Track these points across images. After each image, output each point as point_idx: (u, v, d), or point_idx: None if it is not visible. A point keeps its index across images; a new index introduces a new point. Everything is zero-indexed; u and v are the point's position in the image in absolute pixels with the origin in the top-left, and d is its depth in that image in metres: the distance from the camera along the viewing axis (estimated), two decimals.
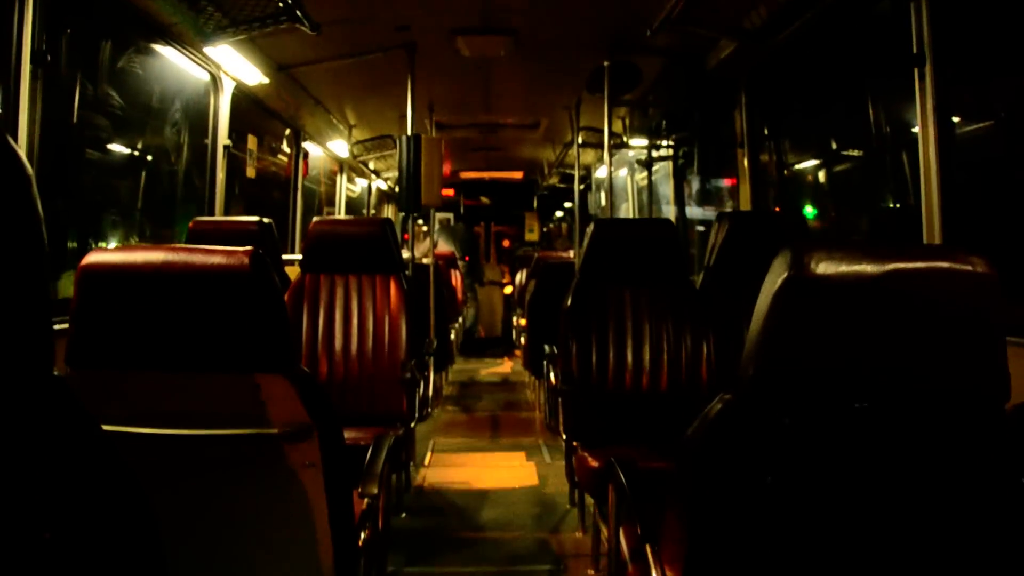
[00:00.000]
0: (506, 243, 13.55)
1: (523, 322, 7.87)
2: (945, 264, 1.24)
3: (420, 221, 8.52)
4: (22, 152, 0.88)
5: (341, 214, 8.55)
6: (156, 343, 1.67)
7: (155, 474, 1.78)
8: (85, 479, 0.90)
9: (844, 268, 1.22)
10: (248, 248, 1.63)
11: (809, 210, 5.49)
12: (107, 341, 1.67)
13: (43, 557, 0.83)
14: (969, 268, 1.23)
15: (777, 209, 5.28)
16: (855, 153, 5.24)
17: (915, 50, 2.96)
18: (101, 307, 1.65)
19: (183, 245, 1.67)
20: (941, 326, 1.25)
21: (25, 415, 0.85)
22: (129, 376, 1.71)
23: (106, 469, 0.93)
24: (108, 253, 1.65)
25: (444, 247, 10.18)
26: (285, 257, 5.18)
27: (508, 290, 11.43)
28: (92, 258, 1.63)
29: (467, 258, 10.46)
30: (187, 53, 4.08)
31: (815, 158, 5.51)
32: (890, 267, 1.22)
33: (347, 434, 1.99)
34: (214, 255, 1.61)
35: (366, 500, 2.18)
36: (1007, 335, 1.30)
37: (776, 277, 1.24)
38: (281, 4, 3.51)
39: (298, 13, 3.59)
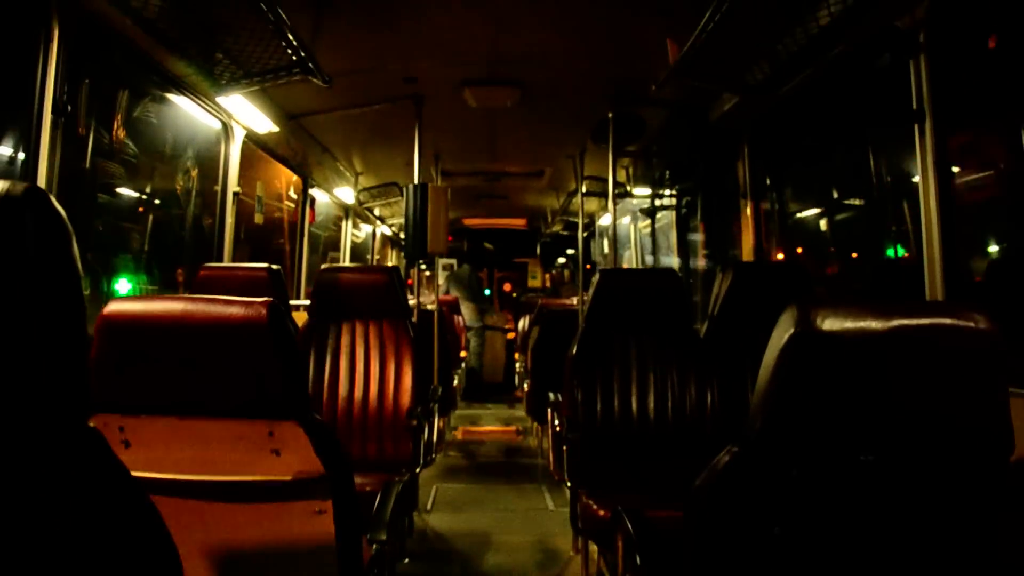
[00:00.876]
0: (507, 287, 13.59)
1: (526, 368, 7.88)
2: (948, 320, 1.27)
3: (424, 267, 8.58)
4: (62, 211, 0.92)
5: (346, 260, 8.60)
6: (173, 390, 1.71)
7: (168, 518, 1.79)
8: (118, 527, 0.93)
9: (849, 324, 1.25)
10: (266, 299, 1.67)
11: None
12: (125, 387, 1.70)
13: None
14: (972, 324, 1.27)
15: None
16: (857, 202, 5.32)
17: (915, 106, 3.03)
18: (120, 355, 1.68)
19: (201, 295, 1.71)
20: (945, 381, 1.28)
21: (62, 465, 0.88)
22: (145, 421, 1.74)
23: (137, 517, 0.96)
24: (128, 303, 1.69)
25: (453, 293, 10.28)
26: (292, 303, 5.22)
27: (511, 335, 11.45)
28: (113, 307, 1.67)
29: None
30: (200, 103, 4.15)
31: (817, 207, 5.59)
32: (894, 323, 1.26)
33: (355, 480, 2.01)
34: (232, 306, 1.65)
35: (374, 546, 2.19)
36: (1010, 386, 1.33)
37: (783, 332, 1.28)
38: (294, 57, 3.59)
39: (311, 66, 3.66)
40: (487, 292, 13.03)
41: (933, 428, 1.30)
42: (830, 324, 1.25)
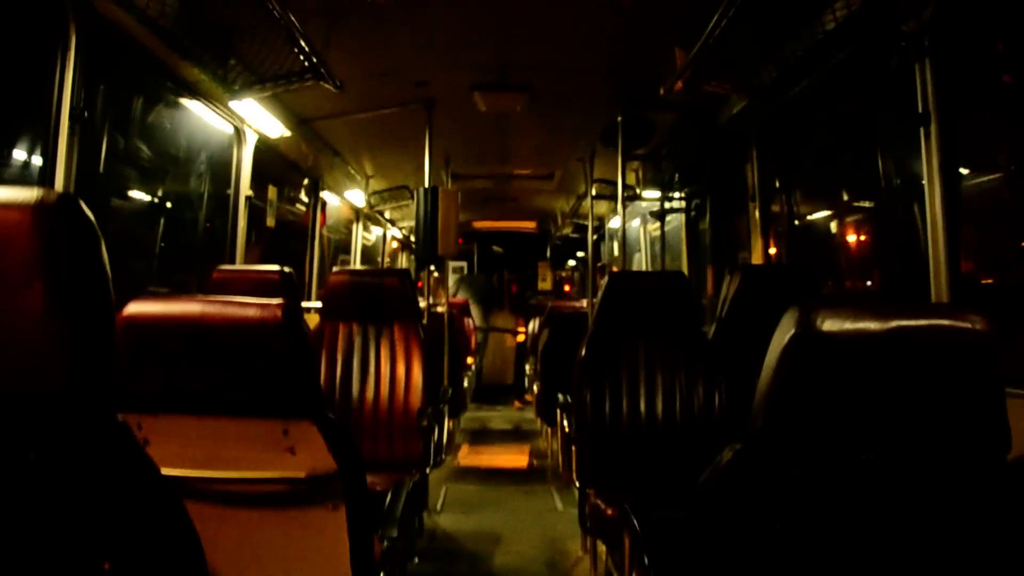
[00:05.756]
0: (514, 288, 13.59)
1: (536, 370, 7.92)
2: (946, 322, 1.30)
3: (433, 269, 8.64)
4: (92, 217, 0.97)
5: (357, 263, 8.66)
6: (190, 388, 1.75)
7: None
8: (145, 517, 0.97)
9: (849, 325, 1.28)
10: (281, 300, 1.71)
11: None
12: (144, 386, 1.74)
13: None
14: (969, 326, 1.29)
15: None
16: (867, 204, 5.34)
17: (920, 109, 3.05)
18: (139, 354, 1.73)
19: (218, 296, 1.75)
20: (943, 381, 1.31)
21: (94, 456, 0.93)
22: (163, 420, 1.79)
23: (164, 509, 1.00)
24: (147, 303, 1.73)
25: (462, 295, 10.33)
26: (303, 305, 5.27)
27: (520, 338, 11.48)
28: (132, 308, 1.71)
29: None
30: (213, 107, 4.21)
31: (827, 210, 5.61)
32: (893, 324, 1.29)
33: (367, 479, 2.05)
34: (249, 307, 1.69)
35: (385, 543, 2.23)
36: (1007, 387, 1.36)
37: (784, 333, 1.31)
38: (307, 63, 3.64)
39: (323, 71, 3.71)
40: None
41: (932, 427, 1.32)
42: (831, 325, 1.28)
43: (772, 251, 5.03)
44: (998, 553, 1.34)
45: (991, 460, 1.35)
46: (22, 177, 3.59)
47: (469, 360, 9.76)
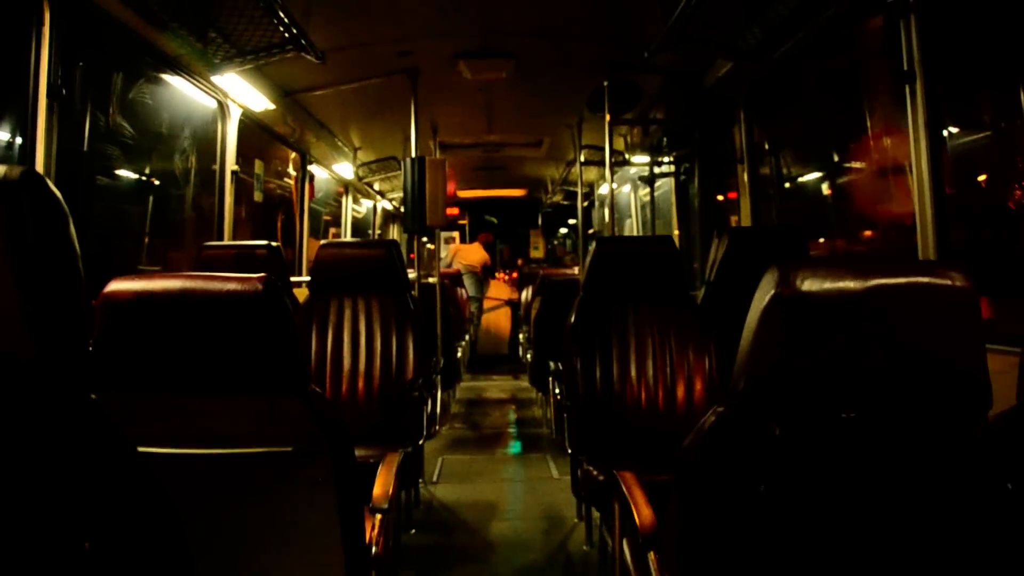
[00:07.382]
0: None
1: (529, 338, 7.93)
2: (925, 279, 1.30)
3: (425, 240, 8.64)
4: (59, 193, 0.95)
5: (347, 235, 8.63)
6: (174, 367, 1.74)
7: (171, 492, 1.84)
8: (121, 495, 0.97)
9: (828, 285, 1.28)
10: (262, 275, 1.70)
11: None
12: (127, 365, 1.74)
13: (84, 566, 0.89)
14: (948, 282, 1.29)
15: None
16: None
17: (906, 67, 3.03)
18: (122, 333, 1.72)
19: (199, 273, 1.74)
20: (923, 338, 1.31)
21: (66, 435, 0.92)
22: (147, 398, 1.78)
23: (141, 486, 1.00)
24: (129, 281, 1.71)
25: (456, 266, 10.38)
26: (293, 279, 5.26)
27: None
28: (113, 286, 1.70)
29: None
30: (195, 82, 4.17)
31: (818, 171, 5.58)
32: (872, 283, 1.28)
33: (357, 452, 2.05)
34: (229, 282, 1.68)
35: (377, 516, 2.24)
36: (988, 343, 1.36)
37: (764, 294, 1.31)
38: (287, 34, 3.59)
39: (304, 42, 3.67)
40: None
41: (913, 385, 1.33)
42: (810, 284, 1.28)
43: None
44: (980, 508, 1.35)
45: (973, 417, 1.35)
46: (7, 158, 3.56)
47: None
